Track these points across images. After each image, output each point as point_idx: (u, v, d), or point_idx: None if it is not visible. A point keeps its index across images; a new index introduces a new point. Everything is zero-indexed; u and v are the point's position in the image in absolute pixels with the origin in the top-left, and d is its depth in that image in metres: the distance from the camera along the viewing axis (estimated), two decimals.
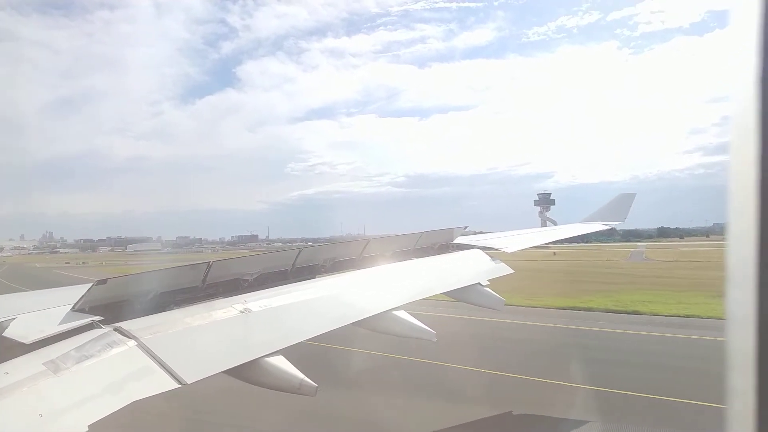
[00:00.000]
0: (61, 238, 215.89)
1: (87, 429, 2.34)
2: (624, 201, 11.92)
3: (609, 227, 11.10)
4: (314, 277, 4.91)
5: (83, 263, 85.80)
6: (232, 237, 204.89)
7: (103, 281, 3.23)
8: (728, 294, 1.15)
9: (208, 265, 3.88)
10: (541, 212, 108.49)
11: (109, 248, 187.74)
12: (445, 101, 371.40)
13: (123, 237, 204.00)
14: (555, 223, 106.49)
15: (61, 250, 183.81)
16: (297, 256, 4.77)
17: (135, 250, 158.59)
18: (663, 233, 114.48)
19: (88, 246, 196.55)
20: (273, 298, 4.06)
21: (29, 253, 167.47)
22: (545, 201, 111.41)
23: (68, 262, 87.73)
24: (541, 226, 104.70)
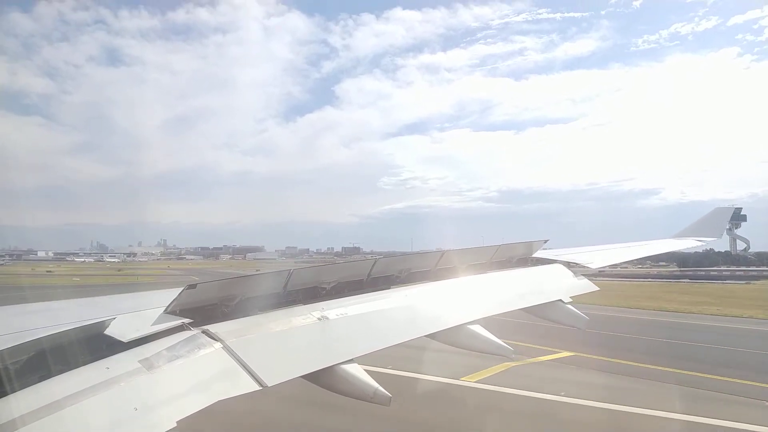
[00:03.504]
0: (174, 245, 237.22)
1: (175, 425, 2.45)
2: (721, 215, 11.28)
3: (703, 243, 10.53)
4: (389, 288, 4.85)
5: None
6: (328, 249, 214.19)
7: (193, 286, 3.35)
8: None
9: (289, 273, 3.95)
10: (729, 230, 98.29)
11: (230, 256, 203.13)
12: (542, 114, 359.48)
13: (238, 246, 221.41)
14: (747, 242, 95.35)
15: (187, 257, 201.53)
16: (372, 266, 4.73)
17: (254, 258, 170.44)
18: None
19: (210, 254, 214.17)
20: (349, 307, 4.09)
21: (157, 259, 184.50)
22: (735, 217, 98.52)
23: None
24: (729, 246, 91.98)
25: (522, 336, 16.17)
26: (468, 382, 12.49)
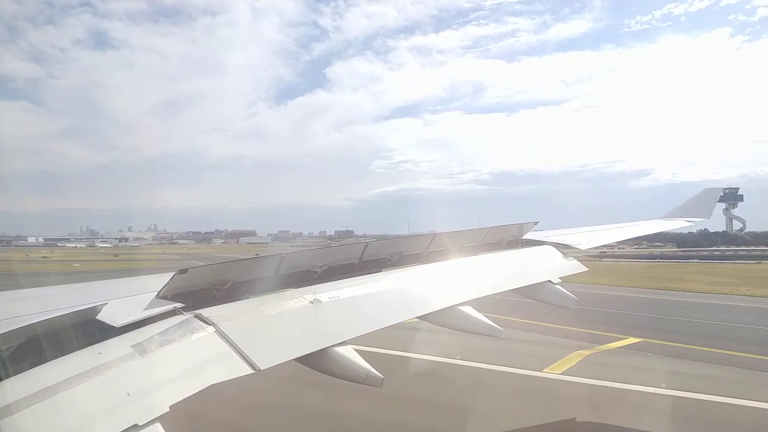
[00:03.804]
0: (164, 230, 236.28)
1: (168, 409, 2.45)
2: (709, 196, 11.51)
3: (692, 224, 10.75)
4: (381, 271, 4.89)
5: None
6: (320, 232, 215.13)
7: (184, 270, 3.33)
8: None
9: (281, 257, 3.94)
10: (726, 210, 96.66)
11: (222, 240, 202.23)
12: (534, 96, 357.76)
13: (230, 230, 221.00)
14: (743, 222, 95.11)
15: (179, 241, 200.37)
16: (364, 250, 4.76)
17: (248, 242, 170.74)
18: None
19: (202, 238, 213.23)
20: (341, 290, 4.10)
21: (149, 244, 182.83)
22: (732, 197, 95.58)
23: None
24: (726, 226, 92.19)
25: (577, 322, 16.15)
26: (553, 374, 11.57)
